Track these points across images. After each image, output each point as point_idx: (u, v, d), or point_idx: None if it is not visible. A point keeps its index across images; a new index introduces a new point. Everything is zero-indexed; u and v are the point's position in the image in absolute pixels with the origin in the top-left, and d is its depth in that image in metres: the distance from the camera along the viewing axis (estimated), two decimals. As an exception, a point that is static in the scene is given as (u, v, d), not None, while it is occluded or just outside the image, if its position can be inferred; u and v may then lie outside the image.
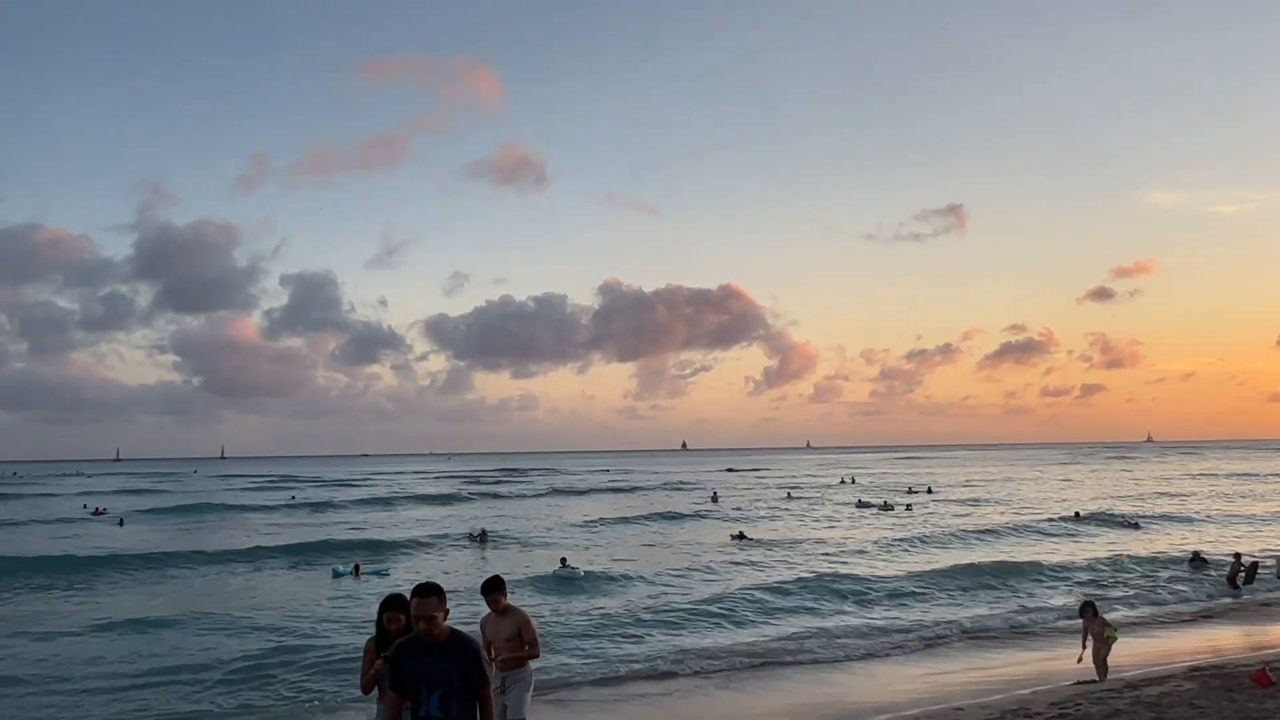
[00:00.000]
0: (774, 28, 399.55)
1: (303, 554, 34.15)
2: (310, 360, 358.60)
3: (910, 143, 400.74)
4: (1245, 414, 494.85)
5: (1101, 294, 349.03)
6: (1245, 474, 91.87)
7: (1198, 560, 27.35)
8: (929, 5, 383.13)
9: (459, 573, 29.17)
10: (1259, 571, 24.64)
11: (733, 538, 38.10)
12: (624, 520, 48.54)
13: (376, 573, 29.15)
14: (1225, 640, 18.13)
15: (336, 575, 28.60)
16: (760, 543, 36.56)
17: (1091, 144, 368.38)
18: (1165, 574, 26.24)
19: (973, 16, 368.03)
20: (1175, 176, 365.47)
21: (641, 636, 18.61)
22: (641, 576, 26.44)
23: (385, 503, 67.07)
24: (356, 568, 29.14)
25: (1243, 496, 61.38)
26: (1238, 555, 25.58)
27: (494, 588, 8.64)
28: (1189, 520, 43.48)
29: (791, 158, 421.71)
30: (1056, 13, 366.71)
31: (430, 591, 5.33)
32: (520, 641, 8.58)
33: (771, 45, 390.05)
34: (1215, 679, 12.95)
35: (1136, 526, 39.92)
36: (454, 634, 5.38)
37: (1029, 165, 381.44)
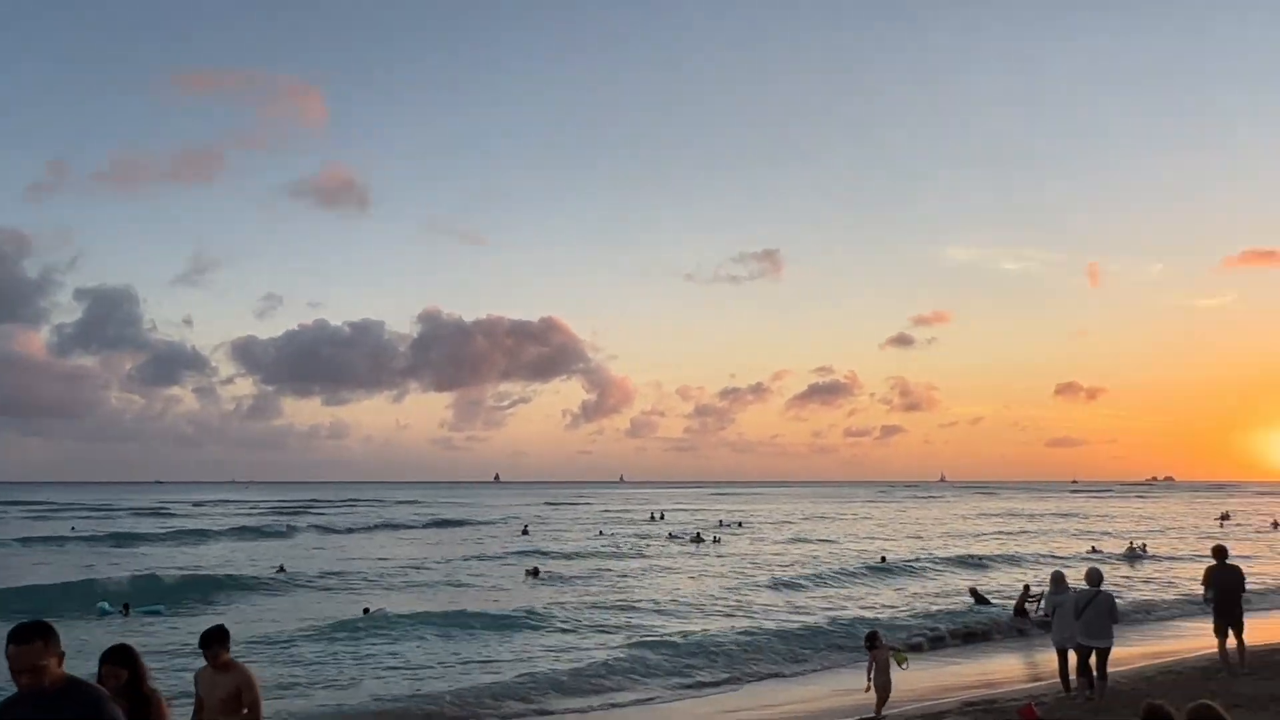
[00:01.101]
0: (604, 68, 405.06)
1: (71, 593, 31.08)
2: (104, 380, 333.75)
3: (732, 188, 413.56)
4: (1026, 458, 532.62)
5: (902, 340, 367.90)
6: (1041, 513, 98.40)
7: (977, 596, 28.41)
8: (756, 60, 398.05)
9: (252, 614, 27.46)
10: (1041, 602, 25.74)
11: (527, 573, 37.60)
12: (431, 556, 47.20)
13: (150, 612, 27.02)
14: (1003, 672, 18.89)
15: (103, 614, 26.33)
16: (559, 578, 36.13)
17: (897, 200, 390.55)
18: (952, 607, 27.26)
19: (794, 75, 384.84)
20: (969, 234, 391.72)
21: (423, 681, 17.84)
22: (439, 617, 25.45)
23: (178, 535, 62.57)
24: (126, 607, 26.89)
25: (1045, 533, 65.59)
26: (1027, 587, 26.78)
27: (214, 640, 7.66)
28: (1011, 558, 45.13)
29: (617, 196, 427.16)
30: (869, 77, 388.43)
31: (31, 635, 4.29)
32: (239, 703, 7.59)
33: (602, 86, 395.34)
34: (987, 714, 13.39)
35: (979, 564, 41.17)
36: (72, 684, 4.42)
37: (841, 216, 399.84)
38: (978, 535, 64.00)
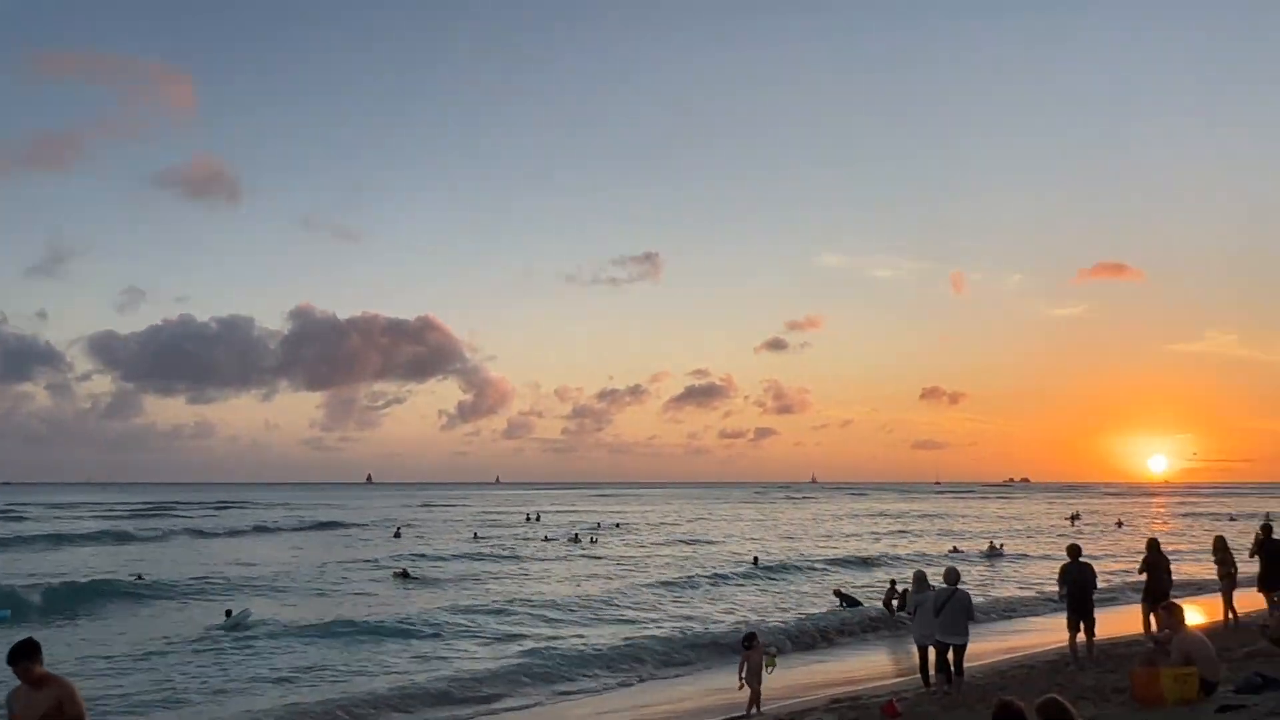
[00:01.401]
0: (485, 64, 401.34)
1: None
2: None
3: (614, 190, 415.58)
4: (893, 459, 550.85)
5: (776, 344, 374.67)
6: (908, 513, 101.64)
7: (843, 598, 29.11)
8: (636, 61, 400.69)
9: (111, 624, 26.27)
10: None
11: (395, 575, 37.12)
12: (300, 560, 46.06)
13: (-4, 621, 25.63)
14: (869, 669, 19.53)
15: (-57, 625, 24.83)
16: (432, 582, 35.68)
17: (773, 206, 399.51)
18: (821, 607, 27.99)
19: (674, 78, 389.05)
20: (841, 241, 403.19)
21: (294, 691, 17.46)
22: (310, 625, 24.85)
23: (30, 539, 58.86)
24: (-30, 616, 25.45)
25: (911, 533, 67.79)
26: (893, 582, 27.69)
27: (21, 655, 7.14)
28: (879, 558, 46.34)
29: (498, 195, 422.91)
30: (748, 84, 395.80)
31: None
32: (62, 719, 7.18)
33: (482, 83, 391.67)
34: (851, 710, 13.88)
35: (849, 564, 42.13)
36: None
37: (720, 222, 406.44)
38: (848, 536, 65.88)
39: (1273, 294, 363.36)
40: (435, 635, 23.32)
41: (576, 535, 59.14)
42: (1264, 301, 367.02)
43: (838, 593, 29.58)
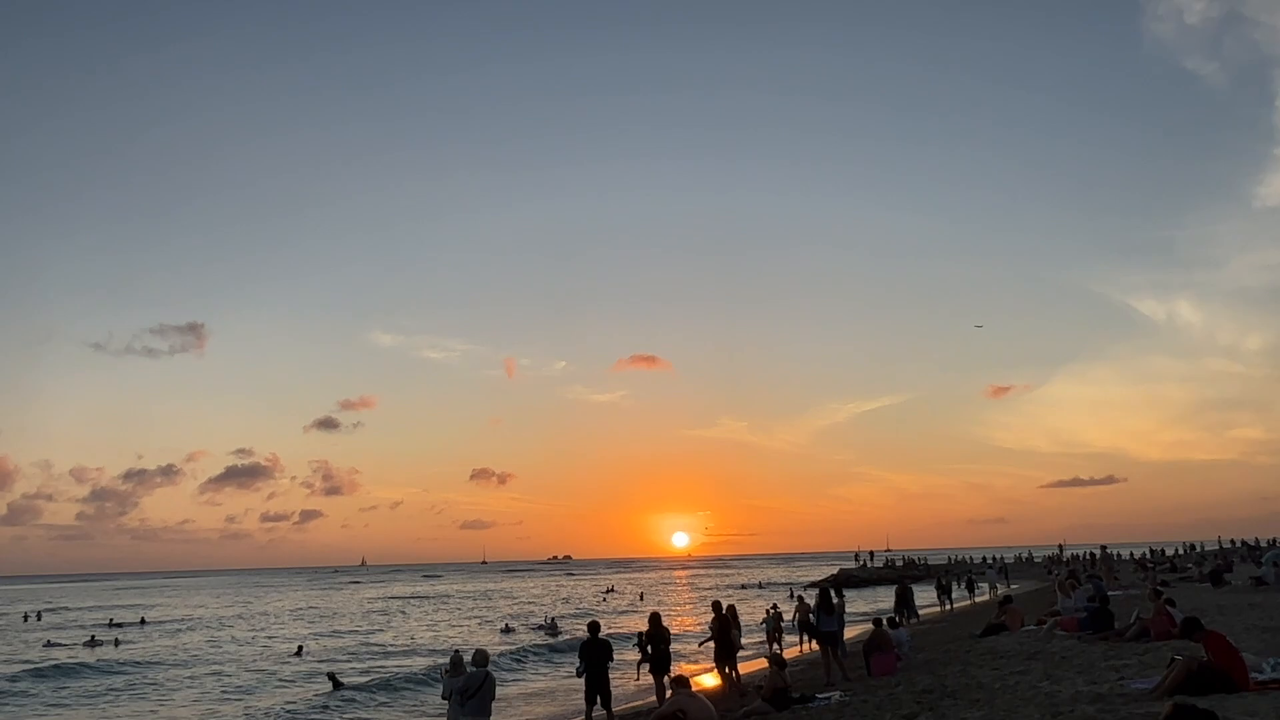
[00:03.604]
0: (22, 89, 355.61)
1: None
2: None
3: (156, 252, 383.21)
4: (442, 539, 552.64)
5: (328, 424, 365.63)
6: (462, 594, 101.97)
7: (334, 680, 29.51)
8: (196, 122, 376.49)
9: None
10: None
11: None
12: None
13: None
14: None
15: None
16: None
17: (328, 281, 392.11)
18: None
19: (223, 142, 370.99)
20: (395, 321, 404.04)
21: None
22: None
23: None
24: None
25: (466, 613, 67.97)
26: (445, 669, 27.93)
27: None
28: (423, 644, 46.13)
29: (10, 247, 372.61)
30: (302, 152, 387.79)
31: None
32: None
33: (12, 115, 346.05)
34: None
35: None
36: None
37: (274, 296, 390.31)
38: (401, 619, 65.14)
39: (775, 390, 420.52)
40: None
41: (94, 638, 52.46)
42: (768, 396, 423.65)
43: (331, 676, 29.84)
